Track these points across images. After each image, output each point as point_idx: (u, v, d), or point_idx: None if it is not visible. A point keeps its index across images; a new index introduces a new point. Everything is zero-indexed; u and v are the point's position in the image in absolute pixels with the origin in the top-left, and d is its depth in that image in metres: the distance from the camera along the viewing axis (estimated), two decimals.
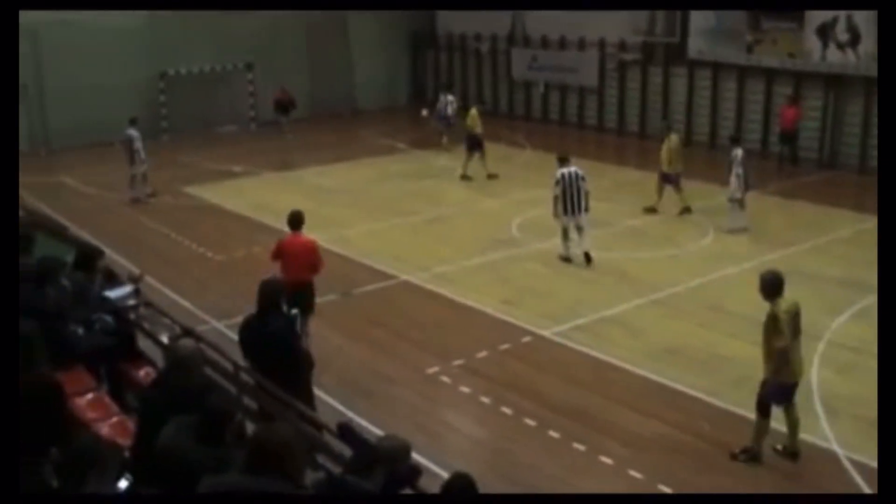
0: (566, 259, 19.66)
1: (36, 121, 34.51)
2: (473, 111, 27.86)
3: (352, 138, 34.82)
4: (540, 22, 36.41)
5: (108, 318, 10.75)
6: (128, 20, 34.11)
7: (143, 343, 11.48)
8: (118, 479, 5.46)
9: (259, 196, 26.02)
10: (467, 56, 40.55)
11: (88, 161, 31.48)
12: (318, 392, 12.70)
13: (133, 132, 26.23)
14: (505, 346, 15.39)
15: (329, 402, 12.83)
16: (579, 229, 19.54)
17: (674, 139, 23.17)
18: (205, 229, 22.89)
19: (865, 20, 25.52)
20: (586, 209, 19.41)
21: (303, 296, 13.95)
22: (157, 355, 11.06)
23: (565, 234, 19.67)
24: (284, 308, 10.94)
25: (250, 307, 10.91)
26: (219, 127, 36.73)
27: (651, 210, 23.06)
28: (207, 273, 19.66)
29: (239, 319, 11.38)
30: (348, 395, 13.39)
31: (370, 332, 16.10)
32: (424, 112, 34.23)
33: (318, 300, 15.34)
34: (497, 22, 37.82)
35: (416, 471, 7.31)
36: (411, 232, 22.27)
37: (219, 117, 37.06)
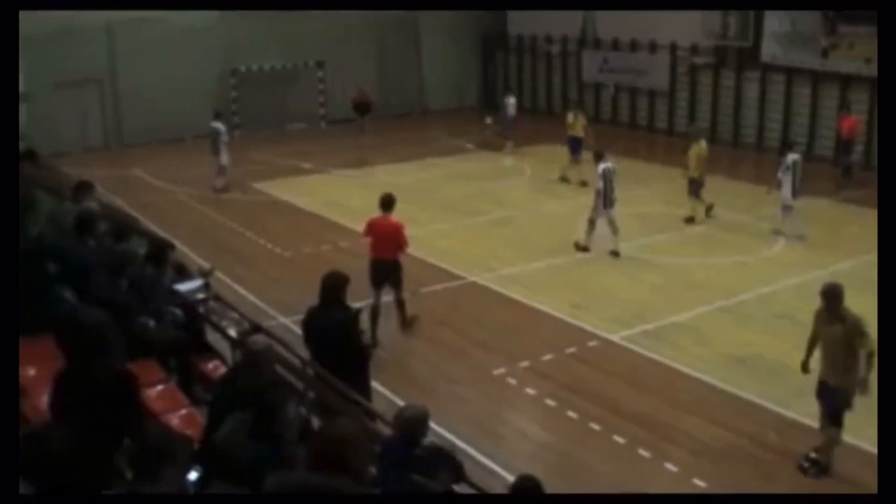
0: (584, 249, 20.35)
1: (110, 117, 35.06)
2: (573, 115, 27.44)
3: (421, 138, 34.89)
4: (611, 24, 36.21)
5: (178, 312, 10.87)
6: (200, 18, 34.46)
7: (212, 336, 11.58)
8: (188, 470, 5.50)
9: (328, 193, 26.17)
10: (537, 58, 40.44)
11: (160, 156, 31.90)
12: (382, 390, 12.78)
13: (218, 125, 27.00)
14: (571, 350, 15.32)
15: (394, 400, 12.81)
16: (612, 223, 20.07)
17: (703, 144, 22.76)
18: (274, 225, 23.05)
19: None
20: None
21: (389, 271, 15.53)
22: (225, 349, 11.16)
23: (592, 226, 20.31)
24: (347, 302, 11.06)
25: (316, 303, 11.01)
26: (289, 124, 37.01)
27: (690, 220, 22.55)
28: (275, 269, 19.80)
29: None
30: (413, 394, 13.33)
31: (437, 332, 16.10)
32: (489, 120, 34.27)
33: (387, 299, 15.44)
34: (568, 24, 37.66)
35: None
36: (478, 232, 22.25)
37: (289, 114, 37.34)
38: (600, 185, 19.98)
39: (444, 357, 15.18)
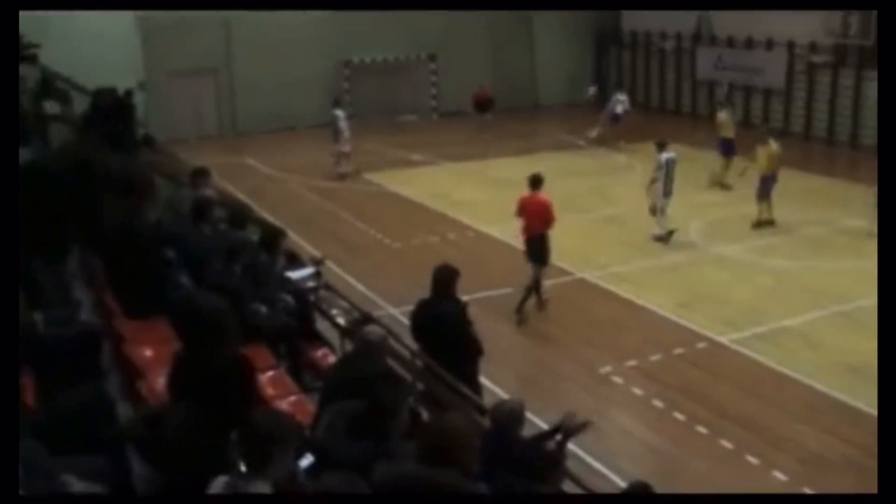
0: (662, 238, 20.72)
1: (225, 105, 35.69)
2: (722, 115, 26.88)
3: (532, 133, 34.77)
4: (726, 21, 35.58)
5: (289, 299, 10.95)
6: (314, 10, 34.80)
7: (321, 325, 11.65)
8: (300, 457, 5.53)
9: (438, 186, 26.25)
10: (651, 54, 40.00)
11: (272, 145, 32.35)
12: (489, 384, 12.72)
13: (339, 112, 27.54)
14: (679, 350, 15.13)
15: (501, 394, 12.78)
16: (663, 210, 20.92)
17: (773, 145, 22.02)
18: (384, 216, 23.20)
19: None
20: None
21: (537, 246, 16.66)
22: (334, 338, 11.22)
23: (663, 212, 20.91)
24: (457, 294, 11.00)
25: (425, 295, 10.97)
26: (400, 115, 37.19)
27: (765, 223, 21.72)
28: (384, 259, 19.93)
29: (413, 307, 11.47)
30: (519, 389, 13.32)
31: (545, 328, 16.05)
32: (592, 90, 34.05)
33: (494, 293, 15.47)
34: (682, 20, 37.12)
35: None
36: (588, 229, 22.07)
37: (401, 106, 37.54)
38: (661, 173, 20.70)
39: (550, 353, 15.13)
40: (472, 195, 25.00)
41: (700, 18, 36.89)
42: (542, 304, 16.88)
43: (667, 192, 20.87)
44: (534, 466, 7.16)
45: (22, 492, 4.19)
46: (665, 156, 20.95)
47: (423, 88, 38.12)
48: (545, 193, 16.88)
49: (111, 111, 16.33)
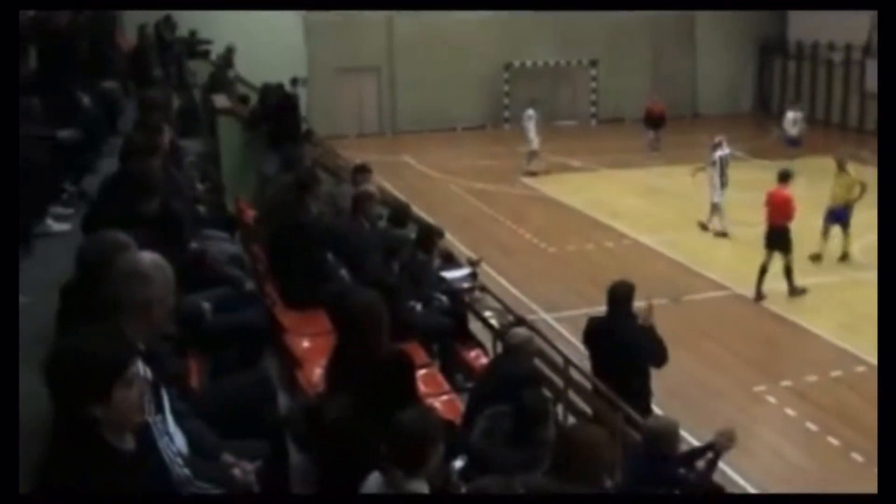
0: (724, 234, 21.93)
1: (385, 104, 36.18)
2: None
3: (691, 142, 34.07)
4: None
5: (444, 298, 11.03)
6: (478, 11, 35.00)
7: (474, 326, 11.70)
8: (453, 457, 5.57)
9: (595, 192, 26.11)
10: (817, 65, 38.85)
11: (430, 145, 32.62)
12: None
13: (530, 112, 28.36)
14: (837, 373, 14.69)
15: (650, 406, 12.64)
16: (718, 205, 22.14)
17: (852, 172, 20.32)
18: (539, 220, 23.18)
19: None
20: None
21: (777, 237, 17.89)
22: (487, 339, 11.25)
23: (719, 208, 22.11)
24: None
25: (579, 302, 10.93)
26: (559, 120, 37.08)
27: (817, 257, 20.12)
28: (539, 264, 19.88)
29: (567, 314, 11.44)
30: (668, 403, 13.07)
31: (697, 342, 15.76)
32: (776, 133, 33.07)
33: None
34: (853, 30, 36.00)
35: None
36: (746, 243, 21.49)
37: (560, 111, 37.44)
38: (716, 170, 22.04)
39: (703, 368, 14.85)
40: (629, 203, 24.78)
41: (872, 27, 35.73)
42: (794, 291, 17.83)
43: (723, 184, 22.13)
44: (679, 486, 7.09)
45: (186, 470, 4.30)
46: (719, 153, 22.28)
47: (583, 94, 38.01)
48: (790, 189, 18.01)
49: (278, 106, 16.70)
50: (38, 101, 8.85)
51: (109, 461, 3.47)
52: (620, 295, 10.10)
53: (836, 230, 20.03)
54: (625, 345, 9.93)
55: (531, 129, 28.22)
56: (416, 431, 4.80)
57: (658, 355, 10.15)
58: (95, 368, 3.48)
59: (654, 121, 32.85)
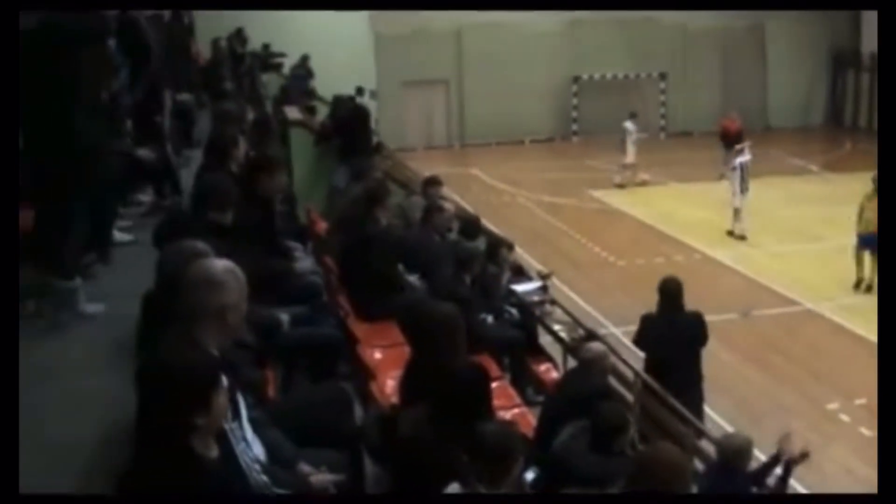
0: (742, 237, 22.28)
1: (454, 115, 36.30)
2: None
3: (761, 156, 33.61)
4: None
5: (514, 311, 11.03)
6: (547, 24, 35.05)
7: (544, 339, 11.68)
8: (526, 469, 5.56)
9: (664, 206, 25.93)
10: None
11: (499, 157, 32.64)
12: (707, 409, 12.47)
13: (628, 125, 28.51)
14: None
15: (718, 421, 12.53)
16: (739, 210, 22.55)
17: None
18: (608, 234, 23.09)
19: None
20: None
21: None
22: (557, 353, 11.23)
23: (739, 212, 22.48)
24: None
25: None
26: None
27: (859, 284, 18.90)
28: (608, 277, 19.80)
29: (636, 328, 11.34)
30: (738, 418, 13.01)
31: (768, 357, 15.59)
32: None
33: (717, 318, 15.05)
34: None
35: None
36: (818, 259, 21.27)
37: None
38: (736, 176, 22.45)
39: (774, 384, 14.67)
40: (699, 217, 24.58)
41: None
42: None
43: (744, 189, 22.41)
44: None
45: (264, 478, 4.35)
46: (740, 159, 22.74)
47: (652, 107, 37.74)
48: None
49: (349, 119, 16.84)
50: (123, 115, 8.92)
51: (196, 468, 3.53)
52: (673, 289, 10.66)
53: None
54: (685, 336, 10.48)
55: (629, 141, 28.45)
56: (500, 445, 4.81)
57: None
58: (196, 377, 3.56)
59: (731, 140, 29.73)
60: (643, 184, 28.38)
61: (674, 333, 10.50)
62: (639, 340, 11.06)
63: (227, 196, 7.05)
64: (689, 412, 9.55)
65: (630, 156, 28.53)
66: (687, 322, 10.65)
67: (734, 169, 22.75)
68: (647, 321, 10.90)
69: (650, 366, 10.59)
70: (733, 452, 7.41)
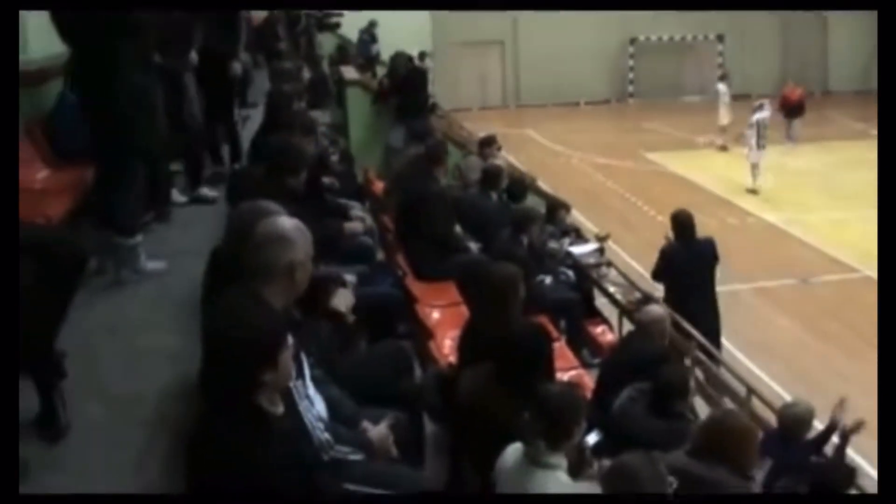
0: (754, 191, 22.87)
1: (509, 77, 36.08)
2: None
3: (821, 119, 33.30)
4: None
5: (571, 273, 11.00)
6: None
7: (600, 301, 11.63)
8: (589, 432, 5.54)
9: (720, 169, 25.71)
10: None
11: (553, 119, 32.44)
12: (764, 377, 12.40)
13: (720, 86, 29.11)
14: None
15: (774, 387, 12.40)
16: (756, 166, 23.13)
17: None
18: (663, 197, 22.82)
19: None
20: None
21: None
22: (612, 315, 11.18)
23: (756, 168, 23.11)
24: None
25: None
26: (684, 96, 36.55)
27: None
28: (661, 240, 19.60)
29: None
30: (794, 385, 12.87)
31: (826, 324, 15.41)
32: None
33: (772, 283, 15.00)
34: None
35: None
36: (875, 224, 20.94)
37: (685, 87, 36.93)
38: (753, 131, 23.03)
39: (834, 352, 14.49)
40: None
41: None
42: None
43: (760, 146, 23.09)
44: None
45: (327, 434, 4.36)
46: (757, 116, 23.35)
47: (710, 70, 37.25)
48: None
49: (407, 79, 16.79)
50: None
51: (264, 424, 3.54)
52: (686, 218, 11.45)
53: None
54: (702, 259, 11.22)
55: (722, 103, 28.59)
56: (564, 406, 4.79)
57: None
58: (265, 335, 3.56)
59: (791, 109, 30.05)
60: (723, 149, 28.06)
61: (692, 256, 11.10)
62: (657, 272, 11.52)
63: (301, 160, 7.04)
64: (708, 336, 10.18)
65: (724, 117, 28.53)
66: (702, 245, 11.35)
67: (751, 126, 23.23)
68: (666, 251, 11.42)
69: (670, 294, 11.13)
70: (793, 421, 7.33)
